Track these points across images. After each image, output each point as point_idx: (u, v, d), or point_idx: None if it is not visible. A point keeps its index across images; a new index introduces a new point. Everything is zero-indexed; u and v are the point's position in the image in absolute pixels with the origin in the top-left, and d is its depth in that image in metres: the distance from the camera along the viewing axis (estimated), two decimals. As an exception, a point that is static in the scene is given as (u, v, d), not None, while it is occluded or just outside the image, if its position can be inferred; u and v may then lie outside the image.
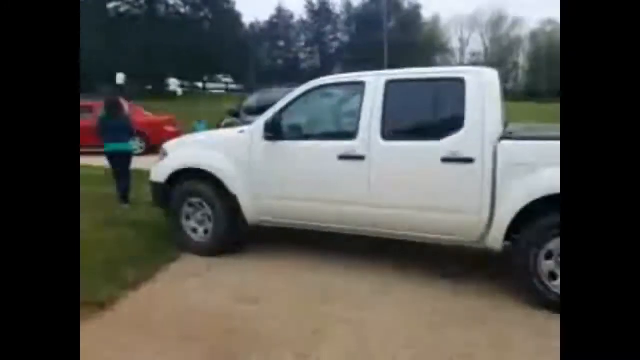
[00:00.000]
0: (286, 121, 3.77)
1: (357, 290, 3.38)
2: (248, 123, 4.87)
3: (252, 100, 9.97)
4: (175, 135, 12.87)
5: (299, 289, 3.39)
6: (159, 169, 4.32)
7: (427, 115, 3.49)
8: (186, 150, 4.32)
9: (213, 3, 29.28)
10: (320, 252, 4.10)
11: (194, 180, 4.06)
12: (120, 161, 6.27)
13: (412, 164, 3.34)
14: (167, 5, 29.82)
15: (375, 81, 3.49)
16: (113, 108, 6.41)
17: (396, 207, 3.39)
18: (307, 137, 3.76)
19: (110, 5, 28.70)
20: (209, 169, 3.96)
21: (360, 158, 3.43)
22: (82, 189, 6.44)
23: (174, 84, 24.88)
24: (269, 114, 3.87)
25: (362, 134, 3.44)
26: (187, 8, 30.00)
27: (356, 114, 3.49)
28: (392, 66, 31.45)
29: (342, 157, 3.49)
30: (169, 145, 4.52)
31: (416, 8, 50.19)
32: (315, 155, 3.65)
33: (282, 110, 3.81)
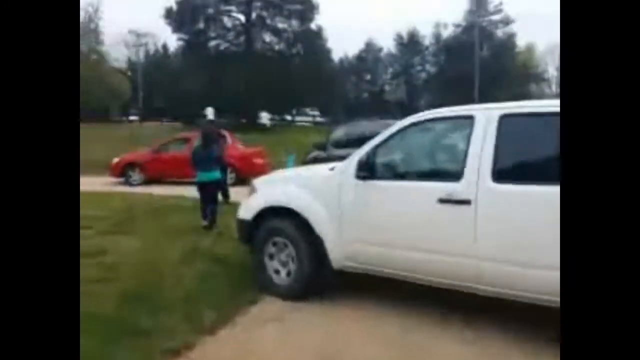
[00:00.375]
0: (381, 159, 3.43)
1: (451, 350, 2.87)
2: (336, 158, 4.67)
3: (339, 133, 9.83)
4: (264, 167, 13.22)
5: (385, 349, 2.96)
6: (247, 205, 4.21)
7: (548, 154, 2.94)
8: (274, 188, 4.16)
9: (306, 40, 30.55)
10: (407, 300, 3.64)
11: (280, 219, 3.85)
12: (209, 189, 6.47)
13: (530, 211, 2.80)
14: (264, 42, 31.70)
15: (486, 115, 3.04)
16: (206, 139, 6.69)
17: (508, 261, 2.86)
18: (403, 177, 3.40)
19: (212, 44, 31.24)
20: (295, 208, 3.73)
21: (466, 202, 2.97)
22: (172, 218, 6.72)
23: (264, 117, 26.04)
24: (362, 151, 3.57)
25: (468, 175, 2.99)
26: (282, 45, 31.58)
27: (462, 152, 3.06)
28: (482, 97, 30.14)
29: (443, 201, 3.06)
30: (258, 182, 4.41)
31: (510, 37, 48.07)
32: (411, 197, 3.25)
33: (377, 147, 3.48)
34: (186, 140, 12.30)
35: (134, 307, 3.36)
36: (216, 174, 6.59)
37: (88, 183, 12.58)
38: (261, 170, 12.90)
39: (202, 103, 30.51)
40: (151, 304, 3.45)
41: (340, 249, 3.56)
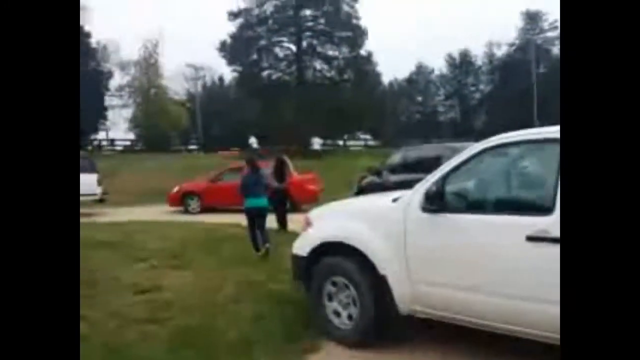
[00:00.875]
0: (452, 189, 3.04)
1: None
2: (393, 184, 4.33)
3: (396, 157, 9.45)
4: (318, 193, 13.04)
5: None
6: (302, 240, 3.92)
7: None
8: (331, 221, 3.85)
9: (356, 66, 30.75)
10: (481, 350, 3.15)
11: (339, 256, 3.52)
12: (256, 216, 6.39)
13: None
14: (315, 70, 32.24)
15: (580, 137, 2.60)
16: (252, 166, 6.67)
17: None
18: (480, 209, 2.97)
19: (265, 74, 32.17)
20: (354, 244, 3.40)
21: (558, 241, 2.51)
22: (227, 249, 6.59)
23: (316, 142, 26.15)
24: (429, 180, 3.19)
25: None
26: (333, 72, 31.94)
27: (551, 181, 2.62)
28: (542, 114, 28.70)
29: (532, 239, 2.61)
30: (313, 214, 4.13)
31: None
32: (491, 233, 2.82)
33: (447, 176, 3.09)
34: (240, 169, 12.41)
35: (186, 354, 3.15)
36: (262, 201, 6.49)
37: (150, 212, 13.14)
38: (315, 197, 12.74)
39: (256, 131, 31.52)
40: (203, 350, 3.22)
41: (407, 291, 3.18)
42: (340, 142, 35.72)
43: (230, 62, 32.02)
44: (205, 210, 12.50)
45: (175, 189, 13.17)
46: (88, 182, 11.88)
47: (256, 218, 6.46)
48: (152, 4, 74.16)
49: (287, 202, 9.96)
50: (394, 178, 8.68)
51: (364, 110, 29.35)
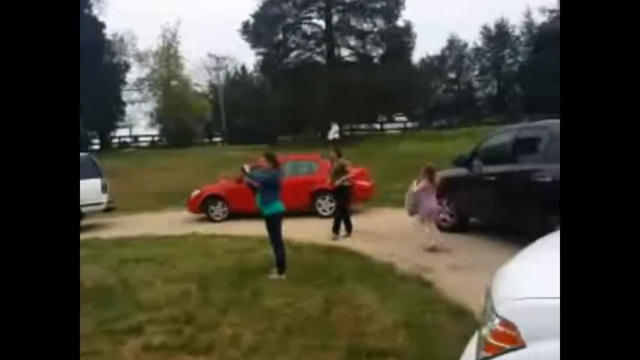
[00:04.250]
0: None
1: None
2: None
3: (492, 142, 6.72)
4: (371, 191, 10.62)
5: None
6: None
7: None
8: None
9: (393, 39, 27.56)
10: None
11: None
12: (268, 226, 5.36)
13: None
14: (348, 47, 29.22)
15: None
16: (271, 161, 5.43)
17: None
18: None
19: (292, 54, 29.45)
20: None
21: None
22: (267, 294, 4.22)
23: (334, 131, 23.16)
24: None
25: None
26: (368, 48, 28.91)
27: None
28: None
29: None
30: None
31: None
32: None
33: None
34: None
35: None
36: (278, 206, 5.33)
37: (166, 220, 11.09)
38: (369, 195, 10.37)
39: (286, 119, 29.07)
40: None
41: None
42: (377, 126, 32.87)
43: (255, 44, 29.41)
44: (232, 216, 10.28)
45: (195, 192, 10.89)
46: (90, 189, 9.76)
47: (267, 226, 5.39)
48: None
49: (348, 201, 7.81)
50: (491, 169, 6.18)
51: (402, 89, 26.34)
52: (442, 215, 7.33)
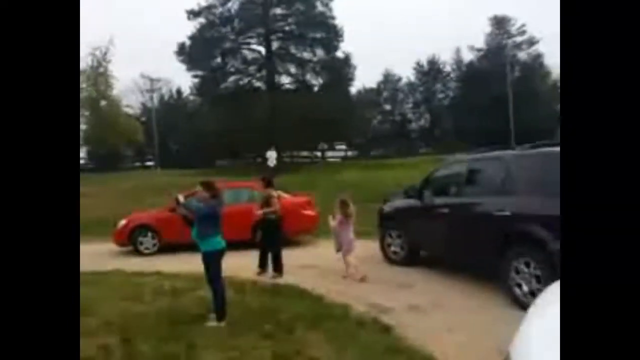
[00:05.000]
0: None
1: None
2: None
3: (442, 172, 6.51)
4: (315, 220, 10.16)
5: None
6: None
7: None
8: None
9: (332, 69, 27.90)
10: None
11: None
12: (206, 264, 4.67)
13: None
14: (288, 74, 29.16)
15: None
16: (210, 189, 4.80)
17: None
18: None
19: (231, 79, 28.78)
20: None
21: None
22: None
23: (271, 157, 22.71)
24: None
25: None
26: (307, 76, 29.04)
27: None
28: (517, 119, 27.71)
29: None
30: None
31: (537, 57, 45.77)
32: None
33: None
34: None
35: None
36: (219, 241, 4.68)
37: (88, 254, 9.75)
38: (313, 225, 9.86)
39: (223, 143, 28.04)
40: None
41: None
42: (318, 154, 32.78)
43: (191, 67, 28.45)
44: (164, 249, 9.31)
45: (122, 222, 9.78)
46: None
47: (210, 266, 4.68)
48: (102, 8, 68.58)
49: (280, 234, 7.19)
50: (441, 201, 5.96)
51: (342, 117, 26.55)
52: (392, 248, 7.02)
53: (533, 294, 4.50)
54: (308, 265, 7.26)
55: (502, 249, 4.82)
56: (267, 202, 7.06)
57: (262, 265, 6.95)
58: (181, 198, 4.83)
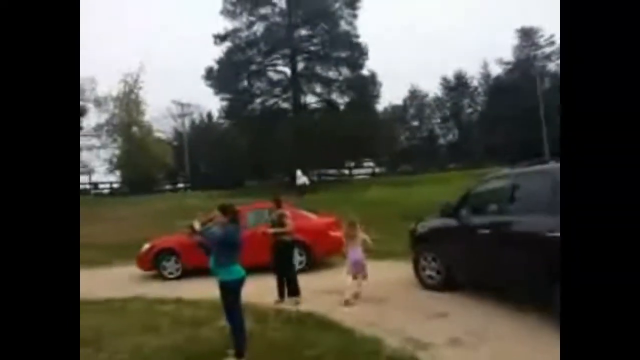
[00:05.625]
0: None
1: None
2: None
3: (481, 188, 5.96)
4: (341, 243, 9.70)
5: None
6: None
7: None
8: None
9: (358, 88, 27.62)
10: None
11: None
12: (223, 295, 4.27)
13: None
14: (314, 94, 29.08)
15: None
16: (229, 214, 4.40)
17: None
18: None
19: (257, 101, 28.92)
20: None
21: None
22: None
23: (300, 177, 22.48)
24: None
25: None
26: (333, 95, 28.91)
27: None
28: (550, 132, 26.44)
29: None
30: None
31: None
32: None
33: None
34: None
35: None
36: (237, 270, 4.26)
37: (113, 278, 9.72)
38: (341, 247, 9.42)
39: (251, 165, 27.98)
40: None
41: None
42: (346, 171, 32.32)
43: (219, 90, 28.70)
44: (187, 273, 9.04)
45: (146, 246, 9.59)
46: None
47: (228, 297, 4.27)
48: (133, 36, 71.19)
49: (292, 257, 6.82)
50: (485, 220, 5.42)
51: (368, 135, 26.14)
52: (427, 272, 6.46)
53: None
54: (334, 290, 6.79)
55: (553, 275, 4.24)
56: (279, 222, 6.63)
57: (282, 294, 6.48)
58: (196, 225, 4.49)
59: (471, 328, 4.65)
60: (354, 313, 5.55)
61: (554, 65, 44.33)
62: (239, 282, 4.29)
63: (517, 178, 5.20)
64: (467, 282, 6.07)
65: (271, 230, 6.63)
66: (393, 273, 7.56)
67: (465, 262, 5.83)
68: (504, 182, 5.42)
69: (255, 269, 7.35)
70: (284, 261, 6.53)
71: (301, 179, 22.55)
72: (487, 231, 5.24)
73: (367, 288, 6.45)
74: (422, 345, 4.32)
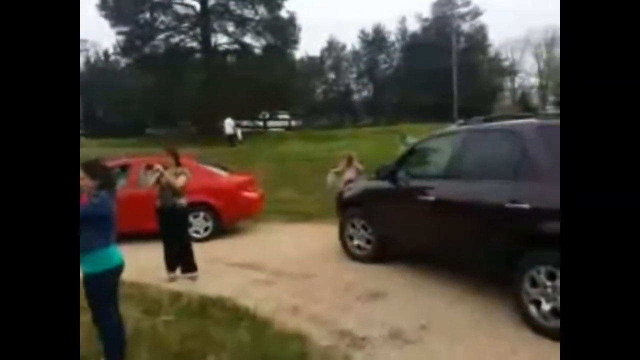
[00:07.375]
0: None
1: None
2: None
3: (439, 143, 5.07)
4: (258, 204, 8.57)
5: None
6: None
7: None
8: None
9: (276, 30, 25.48)
10: None
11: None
12: (89, 291, 2.97)
13: None
14: (226, 33, 26.35)
15: None
16: (96, 176, 3.03)
17: None
18: None
19: (161, 37, 25.56)
20: None
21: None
22: None
23: (228, 125, 20.76)
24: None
25: None
26: (248, 37, 26.47)
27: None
28: (461, 92, 27.63)
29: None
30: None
31: (480, 29, 46.18)
32: None
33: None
34: (124, 168, 7.44)
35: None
36: (111, 254, 2.98)
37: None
38: (256, 209, 8.27)
39: (151, 110, 25.20)
40: None
41: None
42: (260, 123, 30.53)
43: (115, 23, 24.95)
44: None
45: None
46: None
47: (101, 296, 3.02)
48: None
49: (187, 228, 5.59)
50: (422, 184, 4.60)
51: (285, 84, 24.53)
52: (355, 241, 5.62)
53: (557, 313, 3.30)
54: (249, 263, 5.72)
55: (514, 253, 3.57)
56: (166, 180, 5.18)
57: (172, 266, 5.21)
58: None
59: (414, 314, 3.89)
60: (273, 295, 4.55)
61: (467, 26, 45.76)
62: (114, 273, 3.02)
63: (469, 136, 4.38)
64: (403, 255, 5.33)
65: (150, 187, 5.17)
66: (315, 241, 6.68)
67: (404, 233, 5.02)
68: (452, 139, 4.60)
69: (144, 236, 6.02)
70: (173, 230, 5.19)
71: (229, 127, 20.64)
72: (431, 198, 4.43)
73: (288, 261, 5.47)
74: (357, 341, 3.45)
